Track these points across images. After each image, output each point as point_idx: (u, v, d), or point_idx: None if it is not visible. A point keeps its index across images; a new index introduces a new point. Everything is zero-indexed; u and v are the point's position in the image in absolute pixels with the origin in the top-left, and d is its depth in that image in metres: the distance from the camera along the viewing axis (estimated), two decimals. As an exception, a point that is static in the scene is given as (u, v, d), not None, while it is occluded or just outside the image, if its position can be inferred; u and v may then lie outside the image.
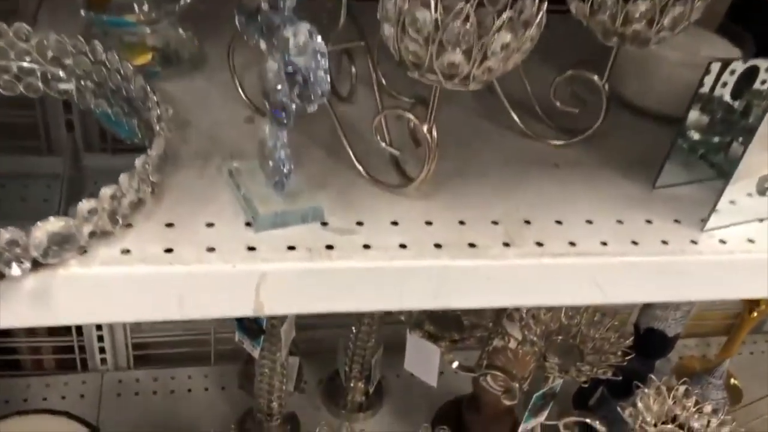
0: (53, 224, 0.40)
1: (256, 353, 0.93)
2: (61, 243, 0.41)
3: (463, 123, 0.64)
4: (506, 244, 0.50)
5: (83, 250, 0.43)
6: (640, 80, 0.69)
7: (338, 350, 1.12)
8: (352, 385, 1.11)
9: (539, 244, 0.51)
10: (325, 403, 1.14)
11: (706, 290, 0.54)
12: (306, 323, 1.24)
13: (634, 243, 0.52)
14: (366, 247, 0.48)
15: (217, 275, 0.44)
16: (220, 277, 0.44)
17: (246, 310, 0.46)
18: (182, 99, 0.60)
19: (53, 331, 1.13)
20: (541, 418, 0.79)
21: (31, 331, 1.11)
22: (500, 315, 0.92)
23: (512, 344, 0.93)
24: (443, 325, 0.83)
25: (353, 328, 1.06)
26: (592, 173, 0.60)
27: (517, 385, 0.85)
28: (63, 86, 0.58)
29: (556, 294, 0.51)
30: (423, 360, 0.83)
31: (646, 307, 0.99)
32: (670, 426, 0.77)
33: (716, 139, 0.60)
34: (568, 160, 0.61)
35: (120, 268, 0.43)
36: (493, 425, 1.05)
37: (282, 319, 0.90)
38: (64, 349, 1.14)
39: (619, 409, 0.76)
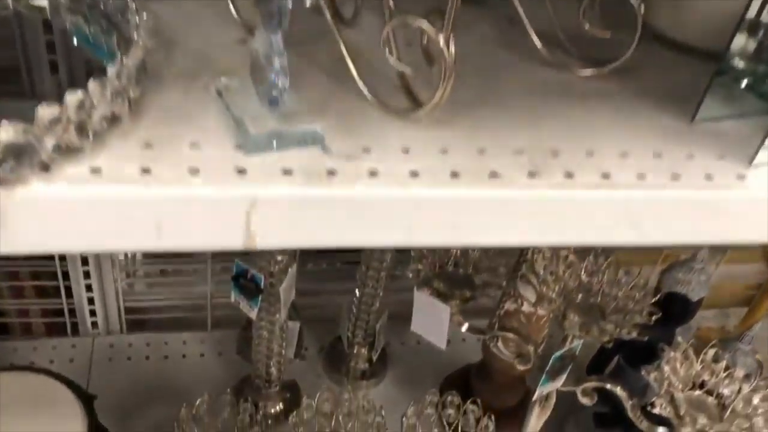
0: (7, 131, 0.34)
1: (253, 314, 0.87)
2: (19, 155, 0.35)
3: (483, 53, 0.58)
4: (532, 174, 0.44)
5: (46, 167, 0.37)
6: (677, 11, 0.62)
7: (341, 315, 1.06)
8: (355, 351, 1.06)
9: (569, 175, 0.45)
10: (326, 371, 1.09)
11: (753, 231, 0.48)
12: (307, 289, 1.19)
13: (675, 177, 0.46)
14: (372, 173, 0.42)
15: (201, 199, 0.38)
16: (205, 202, 0.39)
17: (235, 242, 0.40)
18: (169, 19, 0.54)
19: (41, 293, 1.07)
20: (559, 382, 0.73)
21: (19, 293, 1.06)
22: (515, 272, 0.86)
23: (526, 307, 0.88)
24: (453, 284, 0.77)
25: (357, 291, 1.00)
26: (624, 105, 0.53)
27: (531, 348, 0.79)
28: (36, 1, 0.52)
29: (586, 231, 0.45)
30: (431, 320, 0.77)
31: (668, 270, 0.93)
32: (698, 392, 0.71)
33: (764, 68, 0.53)
34: (598, 91, 0.55)
35: (88, 187, 0.37)
36: (503, 394, 1.00)
37: (281, 277, 0.84)
38: (54, 312, 1.09)
39: (643, 373, 0.70)
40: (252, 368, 0.98)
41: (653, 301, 0.78)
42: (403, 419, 0.79)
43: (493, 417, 0.81)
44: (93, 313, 1.07)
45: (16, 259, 1.02)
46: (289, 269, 0.85)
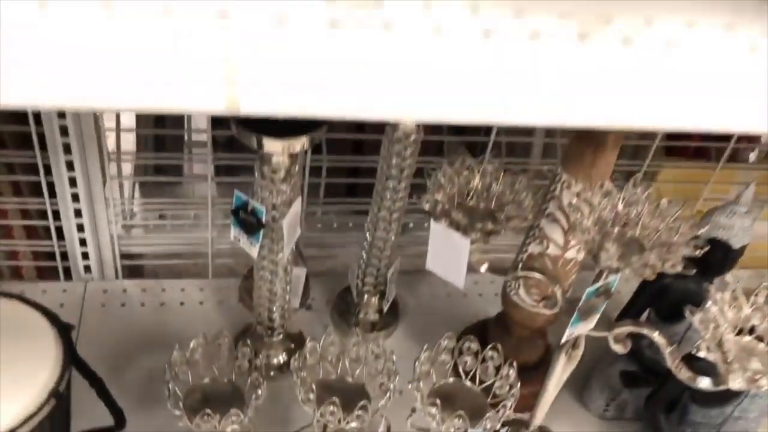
0: None
1: (254, 251, 0.80)
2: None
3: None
4: (582, 37, 0.36)
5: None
6: None
7: (351, 264, 0.99)
8: (364, 300, 0.99)
9: (626, 42, 0.37)
10: (334, 322, 1.02)
11: None
12: (315, 239, 1.12)
13: (753, 50, 0.38)
14: (387, 26, 0.34)
15: (173, 46, 0.31)
16: (178, 48, 0.31)
17: (215, 103, 0.33)
18: None
19: (31, 233, 1.01)
20: (591, 323, 0.66)
21: (8, 234, 1.00)
22: (541, 210, 0.78)
23: (552, 250, 0.80)
24: (474, 218, 0.70)
25: (367, 234, 0.93)
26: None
27: (558, 290, 0.71)
28: None
29: (640, 111, 0.37)
30: (449, 256, 0.69)
31: (709, 214, 0.85)
32: (747, 337, 0.63)
33: None
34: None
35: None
36: (523, 350, 0.92)
37: (284, 211, 0.77)
38: (46, 256, 1.03)
39: (687, 314, 0.62)
40: (254, 315, 0.91)
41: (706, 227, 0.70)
42: (416, 364, 0.72)
43: (515, 364, 0.73)
44: (86, 256, 1.00)
45: (3, 196, 0.95)
46: (294, 203, 0.77)
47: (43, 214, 0.97)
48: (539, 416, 0.84)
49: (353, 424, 0.69)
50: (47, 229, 0.99)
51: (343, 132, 1.03)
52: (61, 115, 0.86)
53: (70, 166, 0.90)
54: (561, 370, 0.77)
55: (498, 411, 0.68)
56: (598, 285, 0.61)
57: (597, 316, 0.65)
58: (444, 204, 0.70)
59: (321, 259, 1.14)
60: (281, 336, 0.92)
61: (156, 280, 1.04)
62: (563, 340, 0.67)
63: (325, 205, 1.12)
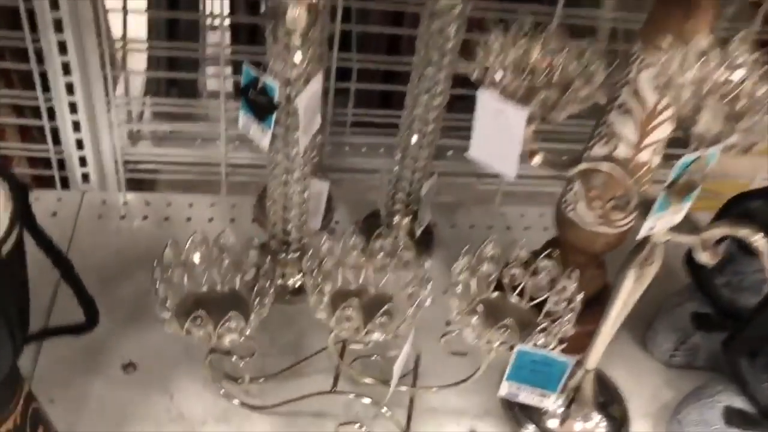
0: None
1: (265, 140, 0.68)
2: None
3: None
4: None
5: None
6: None
7: (381, 179, 0.86)
8: (394, 222, 0.86)
9: None
10: (359, 247, 0.89)
11: None
12: (341, 162, 0.99)
13: None
14: None
15: None
16: None
17: None
18: None
19: (25, 135, 0.90)
20: (678, 215, 0.52)
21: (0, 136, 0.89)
22: (609, 103, 0.64)
23: (622, 150, 0.66)
24: (531, 91, 0.56)
25: (401, 137, 0.80)
26: None
27: (635, 185, 0.57)
28: None
29: None
30: (498, 136, 0.56)
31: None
32: None
33: None
34: None
35: None
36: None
37: (299, 89, 0.64)
38: (42, 163, 0.92)
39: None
40: (268, 228, 0.79)
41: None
42: (454, 270, 0.59)
43: (576, 273, 0.60)
44: (83, 162, 0.89)
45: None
46: (313, 80, 0.65)
47: (36, 112, 0.86)
48: (594, 358, 0.70)
49: (375, 335, 0.56)
50: (41, 130, 0.88)
51: (377, 23, 0.90)
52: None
53: (62, 48, 0.78)
54: (628, 293, 0.63)
55: (554, 325, 0.55)
56: (694, 156, 0.47)
57: (687, 204, 0.51)
58: (495, 71, 0.57)
59: (348, 184, 1.01)
60: (298, 254, 0.80)
61: (161, 194, 0.92)
62: (639, 236, 0.53)
63: (354, 127, 1.00)
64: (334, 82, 0.91)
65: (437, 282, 0.61)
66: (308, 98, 0.65)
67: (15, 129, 0.89)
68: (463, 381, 0.64)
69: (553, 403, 0.58)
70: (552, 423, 0.70)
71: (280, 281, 0.81)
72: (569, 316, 0.56)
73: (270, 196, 0.75)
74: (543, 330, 0.55)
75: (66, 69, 0.80)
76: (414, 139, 0.78)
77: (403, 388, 0.67)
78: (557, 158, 0.62)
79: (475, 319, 0.55)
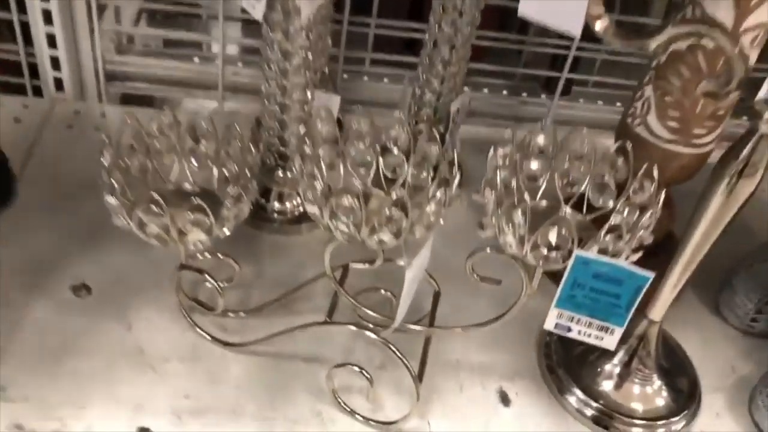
0: None
1: (259, 7, 0.54)
2: None
3: None
4: None
5: None
6: None
7: (403, 91, 0.72)
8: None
9: None
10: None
11: None
12: (356, 91, 0.86)
13: None
14: None
15: None
16: None
17: None
18: None
19: (-6, 33, 0.78)
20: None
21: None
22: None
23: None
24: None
25: (426, 42, 0.66)
26: None
27: (739, 59, 0.43)
28: None
29: None
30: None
31: None
32: None
33: None
34: None
35: None
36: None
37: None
38: (11, 67, 0.79)
39: None
40: (263, 136, 0.65)
41: None
42: (489, 160, 0.45)
43: (655, 171, 0.45)
44: (56, 65, 0.76)
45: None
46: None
47: (4, 3, 0.74)
48: (660, 308, 0.55)
49: (383, 235, 0.42)
50: (10, 26, 0.75)
51: None
52: None
53: None
54: (714, 216, 0.48)
55: (628, 234, 0.40)
56: None
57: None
58: None
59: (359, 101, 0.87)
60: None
61: (147, 109, 0.79)
62: (759, 96, 0.38)
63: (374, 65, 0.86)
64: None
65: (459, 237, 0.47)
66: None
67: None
68: (497, 319, 0.49)
69: (615, 342, 0.43)
70: (606, 384, 0.55)
71: (275, 204, 0.67)
72: (649, 215, 0.41)
73: (265, 92, 0.61)
74: (612, 231, 0.40)
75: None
76: (445, 31, 0.64)
77: (417, 328, 0.53)
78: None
79: (519, 215, 0.40)
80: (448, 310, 0.58)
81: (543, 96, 0.90)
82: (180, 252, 0.50)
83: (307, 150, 0.46)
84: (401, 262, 0.49)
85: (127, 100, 0.86)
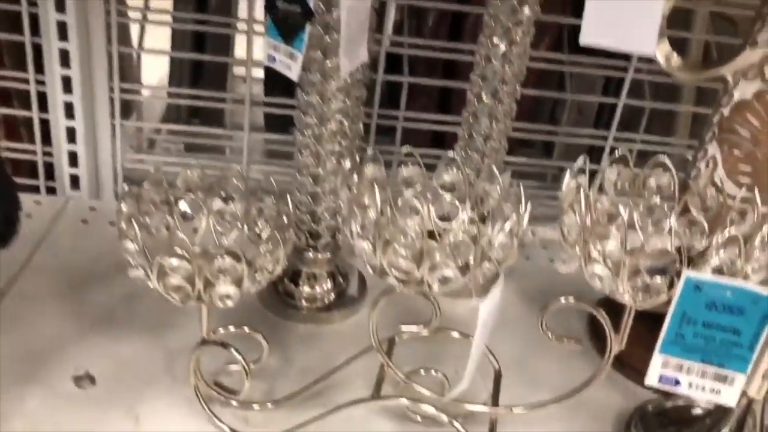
0: None
1: (295, 68, 0.51)
2: None
3: None
4: None
5: None
6: None
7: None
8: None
9: None
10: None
11: None
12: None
13: None
14: None
15: None
16: None
17: None
18: None
19: (11, 132, 0.76)
20: None
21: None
22: None
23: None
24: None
25: (462, 131, 0.63)
26: None
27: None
28: None
29: None
30: (625, 5, 0.39)
31: None
32: None
33: None
34: None
35: None
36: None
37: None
38: (23, 167, 0.77)
39: None
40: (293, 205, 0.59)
41: None
42: (567, 184, 0.39)
43: None
44: (73, 161, 0.73)
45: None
46: (361, -20, 0.49)
47: (25, 100, 0.72)
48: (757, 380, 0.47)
49: (447, 271, 0.35)
50: (29, 125, 0.73)
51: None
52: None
53: (63, 32, 0.66)
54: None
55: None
56: None
57: None
58: None
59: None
60: (329, 254, 0.60)
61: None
62: None
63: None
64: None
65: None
66: (353, 9, 0.49)
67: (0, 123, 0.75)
68: (578, 390, 0.41)
69: (736, 396, 0.35)
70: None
71: (305, 288, 0.60)
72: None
73: (297, 163, 0.57)
74: (728, 245, 0.33)
75: (65, 59, 0.67)
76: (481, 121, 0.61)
77: (482, 408, 0.45)
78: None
79: (612, 236, 0.34)
80: (507, 398, 0.50)
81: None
82: (201, 317, 0.44)
83: (353, 185, 0.41)
84: (471, 302, 0.42)
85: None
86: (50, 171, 0.75)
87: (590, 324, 0.60)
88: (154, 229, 0.46)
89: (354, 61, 0.53)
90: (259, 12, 0.71)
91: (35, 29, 0.68)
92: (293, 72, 0.52)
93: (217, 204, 0.47)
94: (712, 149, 0.54)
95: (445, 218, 0.43)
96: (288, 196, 0.46)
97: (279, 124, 0.82)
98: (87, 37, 0.68)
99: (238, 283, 0.40)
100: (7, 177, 0.41)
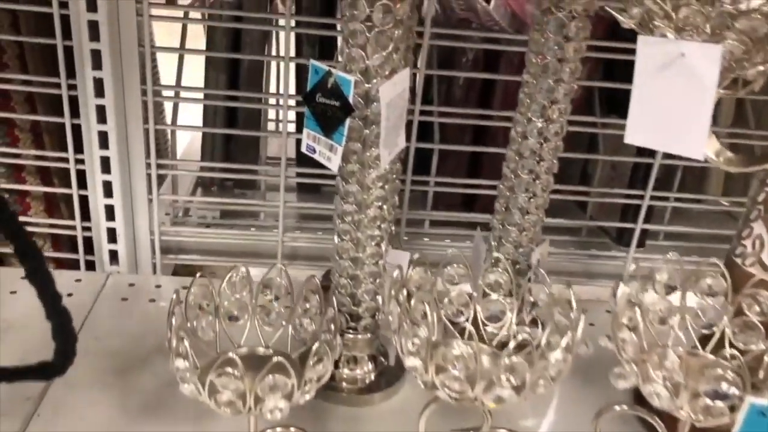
0: None
1: (335, 160, 0.51)
2: None
3: None
4: None
5: None
6: None
7: (473, 246, 0.68)
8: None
9: None
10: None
11: None
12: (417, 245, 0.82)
13: None
14: None
15: None
16: None
17: None
18: None
19: (51, 208, 0.77)
20: None
21: (23, 199, 0.76)
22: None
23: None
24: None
25: (502, 185, 0.63)
26: None
27: None
28: None
29: None
30: (671, 99, 0.39)
31: None
32: None
33: None
34: None
35: None
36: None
37: (381, 84, 0.49)
38: (68, 245, 0.78)
39: None
40: (333, 292, 0.60)
41: None
42: (620, 296, 0.39)
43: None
44: (112, 236, 0.74)
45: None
46: (400, 73, 0.50)
47: (64, 176, 0.73)
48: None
49: (503, 394, 0.35)
50: (68, 200, 0.74)
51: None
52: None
53: (101, 115, 0.67)
54: None
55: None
56: None
57: None
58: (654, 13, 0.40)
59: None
60: (369, 335, 0.60)
61: (203, 279, 0.75)
62: None
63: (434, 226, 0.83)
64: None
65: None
66: (393, 93, 0.50)
67: (41, 200, 0.76)
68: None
69: None
70: None
71: (345, 371, 0.60)
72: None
73: (337, 247, 0.57)
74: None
75: (104, 141, 0.69)
76: (521, 181, 0.60)
77: None
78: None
79: (670, 360, 0.33)
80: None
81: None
82: (250, 426, 0.44)
83: (401, 298, 0.41)
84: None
85: (177, 271, 0.83)
86: (90, 244, 0.76)
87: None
88: (201, 332, 0.46)
89: (393, 150, 0.53)
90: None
91: (75, 111, 0.70)
92: (333, 163, 0.52)
93: (262, 302, 0.48)
94: (758, 228, 0.53)
95: (493, 317, 0.43)
96: (333, 298, 0.46)
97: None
98: (124, 117, 0.70)
99: (288, 397, 0.40)
100: (65, 312, 0.42)
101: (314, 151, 0.54)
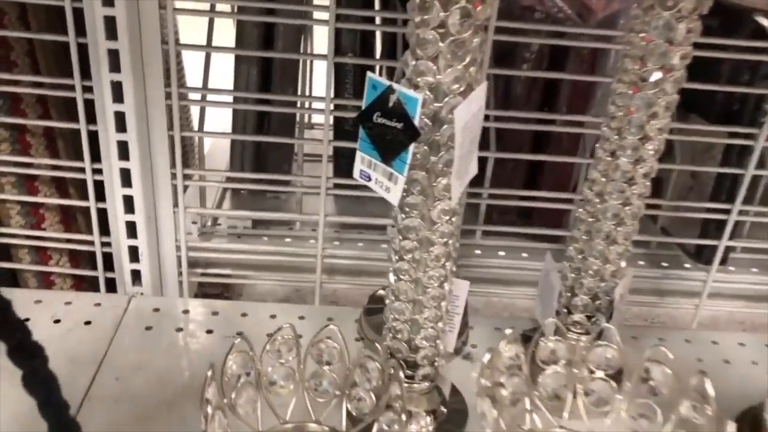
0: None
1: (395, 191, 0.43)
2: None
3: None
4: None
5: None
6: None
7: (543, 275, 0.59)
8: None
9: None
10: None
11: None
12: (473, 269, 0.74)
13: None
14: None
15: None
16: None
17: None
18: None
19: (67, 219, 0.69)
20: None
21: (36, 216, 0.69)
22: None
23: None
24: None
25: (580, 213, 0.54)
26: None
27: None
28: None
29: None
30: None
31: None
32: None
33: None
34: None
35: None
36: None
37: (454, 103, 0.40)
38: (88, 262, 0.71)
39: None
40: (381, 346, 0.52)
41: None
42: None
43: None
44: (135, 255, 0.67)
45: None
46: (475, 91, 0.41)
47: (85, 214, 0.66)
48: None
49: None
50: (87, 213, 0.67)
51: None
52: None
53: (121, 123, 0.59)
54: None
55: None
56: None
57: None
58: None
59: (479, 296, 0.75)
60: (427, 383, 0.52)
61: (234, 302, 0.68)
62: None
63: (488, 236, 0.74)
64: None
65: None
66: (468, 114, 0.41)
67: (56, 211, 0.68)
68: None
69: None
70: None
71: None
72: None
73: (391, 286, 0.49)
74: None
75: (124, 151, 0.61)
76: (609, 202, 0.52)
77: None
78: None
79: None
80: None
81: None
82: None
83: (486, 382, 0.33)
84: None
85: (202, 286, 0.76)
86: (110, 260, 0.69)
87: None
88: (241, 408, 0.38)
89: (464, 180, 0.45)
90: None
91: (91, 115, 0.62)
92: (393, 195, 0.44)
93: (312, 368, 0.40)
94: None
95: (598, 402, 0.35)
96: (393, 367, 0.38)
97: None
98: (147, 124, 0.62)
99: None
100: (73, 425, 0.34)
101: (369, 178, 0.45)
